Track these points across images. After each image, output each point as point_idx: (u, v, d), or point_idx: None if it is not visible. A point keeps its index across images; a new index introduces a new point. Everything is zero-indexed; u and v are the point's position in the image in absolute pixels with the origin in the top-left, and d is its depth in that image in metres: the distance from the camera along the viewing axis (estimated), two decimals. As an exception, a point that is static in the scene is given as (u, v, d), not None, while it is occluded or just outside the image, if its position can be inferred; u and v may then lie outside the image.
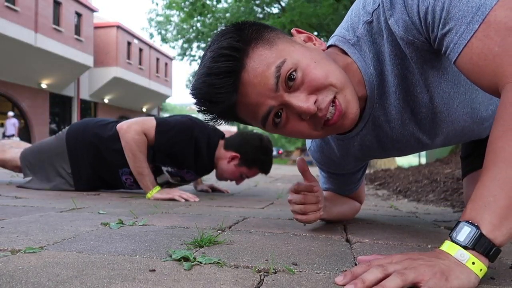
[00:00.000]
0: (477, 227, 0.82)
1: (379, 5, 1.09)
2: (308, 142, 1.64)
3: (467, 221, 0.84)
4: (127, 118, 2.87)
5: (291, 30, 1.22)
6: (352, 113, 1.09)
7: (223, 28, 1.14)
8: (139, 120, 2.59)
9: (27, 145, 3.24)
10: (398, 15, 1.05)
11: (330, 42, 1.25)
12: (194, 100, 1.11)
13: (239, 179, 2.97)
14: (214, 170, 3.00)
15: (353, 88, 1.10)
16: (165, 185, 2.90)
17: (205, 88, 1.06)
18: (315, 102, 1.05)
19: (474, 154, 1.69)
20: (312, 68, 1.05)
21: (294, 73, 1.04)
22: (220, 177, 2.98)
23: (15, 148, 3.10)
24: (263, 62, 1.05)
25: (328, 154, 1.53)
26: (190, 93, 1.11)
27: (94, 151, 2.82)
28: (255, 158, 2.86)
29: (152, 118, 2.63)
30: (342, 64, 1.15)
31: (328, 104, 1.05)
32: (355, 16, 1.17)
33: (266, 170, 2.98)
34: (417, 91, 1.17)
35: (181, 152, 2.69)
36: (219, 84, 1.04)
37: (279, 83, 1.04)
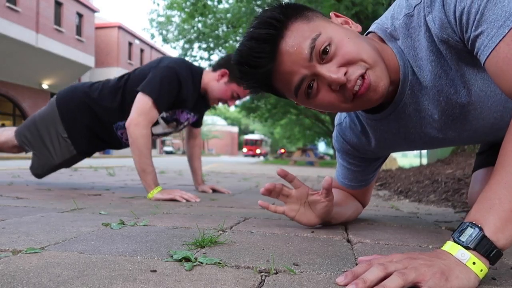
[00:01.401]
0: (480, 229, 0.82)
1: (421, 1, 1.12)
2: (338, 118, 1.65)
3: (471, 222, 0.85)
4: (122, 78, 2.93)
5: (330, 13, 1.26)
6: (381, 86, 1.12)
7: (270, 2, 1.22)
8: (140, 111, 2.59)
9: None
10: (435, 13, 1.08)
11: (370, 29, 1.28)
12: (236, 65, 1.20)
13: (230, 99, 2.94)
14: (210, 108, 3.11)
15: (384, 67, 1.13)
16: (162, 135, 2.97)
17: (245, 51, 1.14)
18: (345, 74, 1.09)
19: (489, 151, 1.70)
20: (345, 43, 1.11)
21: (328, 47, 1.10)
22: (211, 99, 2.98)
23: (8, 130, 3.11)
24: (300, 34, 1.11)
25: (358, 133, 1.54)
26: (233, 57, 1.20)
27: (86, 110, 2.86)
28: None
29: (148, 99, 2.62)
30: (378, 46, 1.18)
31: (357, 77, 1.09)
32: (398, 7, 1.21)
33: None
34: (451, 92, 1.19)
35: (178, 97, 2.75)
36: (259, 49, 1.12)
37: (313, 54, 1.10)
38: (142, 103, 2.60)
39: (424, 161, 10.93)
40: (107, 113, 2.84)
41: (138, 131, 2.55)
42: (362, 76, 1.09)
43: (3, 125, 21.50)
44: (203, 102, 3.00)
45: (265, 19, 1.13)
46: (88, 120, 2.88)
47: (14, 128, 3.10)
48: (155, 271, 0.88)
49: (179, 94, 2.73)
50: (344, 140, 1.63)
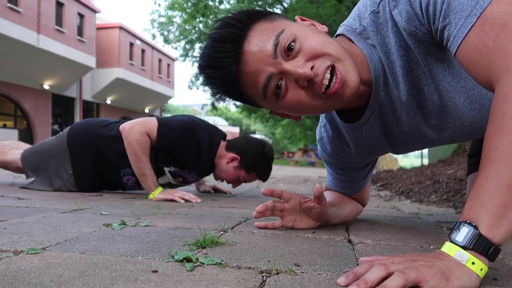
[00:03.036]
0: (475, 227, 0.82)
1: None
2: (318, 133, 1.65)
3: (466, 221, 0.84)
4: (129, 119, 2.86)
5: (295, 17, 1.25)
6: (352, 81, 1.09)
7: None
8: (141, 121, 2.59)
9: (26, 145, 3.22)
10: (401, 6, 1.08)
11: (338, 31, 1.27)
12: (199, 69, 1.17)
13: (236, 181, 2.94)
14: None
15: (352, 61, 1.12)
16: (167, 186, 2.90)
17: (207, 53, 1.13)
18: (312, 68, 1.07)
19: (480, 153, 1.69)
20: (309, 37, 1.10)
21: (292, 43, 1.09)
22: (217, 176, 2.97)
23: (15, 150, 3.09)
24: (264, 33, 1.11)
25: (341, 144, 1.53)
26: (197, 61, 1.19)
27: (96, 151, 2.81)
28: (255, 163, 2.85)
29: (154, 118, 2.62)
30: (346, 46, 1.17)
31: (325, 70, 1.07)
32: (363, 6, 1.20)
33: (264, 177, 2.97)
34: (422, 83, 1.18)
35: (183, 153, 2.68)
36: (220, 48, 1.10)
37: (278, 51, 1.09)
38: (146, 119, 2.62)
39: (425, 161, 10.92)
40: (116, 156, 2.76)
41: (133, 137, 2.52)
42: (333, 71, 1.07)
43: (4, 126, 21.54)
44: (211, 170, 2.98)
45: (227, 21, 1.13)
46: (96, 162, 2.83)
47: (21, 149, 3.08)
48: (156, 271, 0.88)
49: (187, 151, 2.69)
50: (327, 154, 1.63)
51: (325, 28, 1.22)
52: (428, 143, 1.43)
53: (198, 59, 1.17)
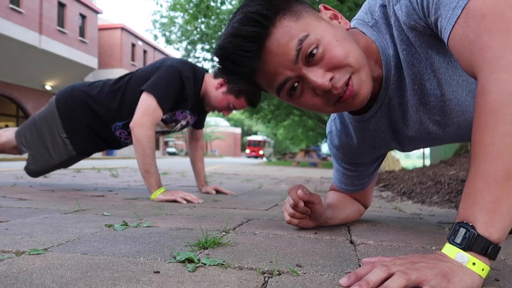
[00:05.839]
0: (472, 227, 0.82)
1: None
2: (328, 127, 1.67)
3: (462, 222, 0.85)
4: (124, 77, 2.92)
5: (319, 6, 1.23)
6: (364, 93, 1.12)
7: None
8: (145, 110, 2.59)
9: None
10: (402, 1, 1.10)
11: (352, 25, 1.27)
12: (217, 59, 1.15)
13: (226, 109, 2.92)
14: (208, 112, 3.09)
15: (369, 70, 1.13)
16: (160, 133, 2.97)
17: (230, 49, 1.09)
18: (331, 79, 1.08)
19: None
20: (333, 46, 1.08)
21: (315, 49, 1.07)
22: (207, 105, 2.96)
23: (9, 131, 3.11)
24: (288, 34, 1.07)
25: (346, 139, 1.55)
26: (214, 51, 1.15)
27: (85, 109, 2.86)
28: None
29: (152, 99, 2.62)
30: (363, 43, 1.18)
31: (344, 84, 1.08)
32: (372, 0, 1.22)
33: (254, 101, 2.92)
34: (424, 79, 1.19)
35: (180, 97, 2.75)
36: (244, 48, 1.08)
37: (299, 56, 1.08)
38: (147, 103, 2.61)
39: (427, 162, 10.92)
40: (106, 112, 2.84)
41: (142, 132, 2.55)
42: (347, 82, 1.08)
43: (6, 126, 21.56)
44: (202, 104, 3.00)
45: (250, 14, 1.08)
46: (87, 119, 2.88)
47: (15, 129, 3.10)
48: (158, 272, 0.88)
49: (181, 94, 2.74)
50: (334, 147, 1.65)
51: (348, 24, 1.20)
52: (434, 140, 1.43)
53: (216, 48, 1.14)
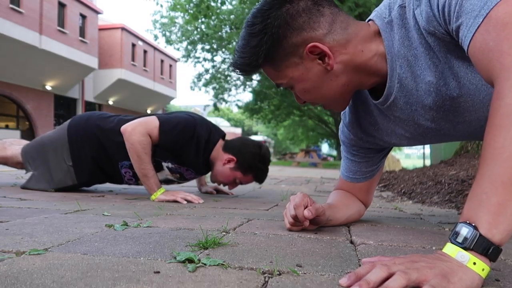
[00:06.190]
0: (475, 227, 0.83)
1: None
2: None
3: (465, 222, 0.85)
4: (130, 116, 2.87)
5: (305, 50, 1.26)
6: (340, 109, 1.46)
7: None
8: (142, 121, 2.58)
9: (27, 142, 3.22)
10: (422, 7, 1.13)
11: (371, 16, 1.34)
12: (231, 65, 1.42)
13: (232, 183, 2.91)
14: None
15: (341, 101, 1.40)
16: (164, 182, 2.91)
17: (234, 66, 1.38)
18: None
19: None
20: (301, 94, 1.38)
21: (292, 87, 1.37)
22: (213, 178, 2.93)
23: (16, 145, 3.08)
24: (269, 75, 1.39)
25: (361, 114, 1.59)
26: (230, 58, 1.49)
27: (95, 142, 2.81)
28: (252, 164, 2.82)
29: (155, 117, 2.61)
30: (365, 32, 1.27)
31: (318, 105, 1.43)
32: None
33: (260, 179, 2.93)
34: (440, 84, 1.22)
35: (182, 149, 2.68)
36: (241, 72, 1.38)
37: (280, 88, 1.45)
38: (147, 118, 2.60)
39: (428, 162, 10.91)
40: (115, 149, 2.76)
41: (135, 138, 2.51)
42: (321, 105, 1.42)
43: (6, 127, 21.58)
44: (207, 167, 2.95)
45: (240, 60, 1.33)
46: (95, 153, 2.82)
47: (21, 145, 3.07)
48: (158, 272, 0.88)
49: (186, 143, 2.67)
50: (347, 128, 1.69)
51: (331, 65, 1.26)
52: (444, 137, 1.48)
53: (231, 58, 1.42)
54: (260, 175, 2.90)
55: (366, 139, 1.63)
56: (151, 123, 2.57)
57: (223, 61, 22.21)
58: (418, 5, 1.14)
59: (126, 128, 2.54)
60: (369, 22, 1.31)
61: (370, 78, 1.30)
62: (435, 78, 1.21)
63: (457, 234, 0.85)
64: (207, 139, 2.76)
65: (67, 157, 2.84)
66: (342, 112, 1.69)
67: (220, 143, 2.87)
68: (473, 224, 0.83)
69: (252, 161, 2.80)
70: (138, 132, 2.51)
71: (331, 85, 1.30)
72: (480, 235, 0.81)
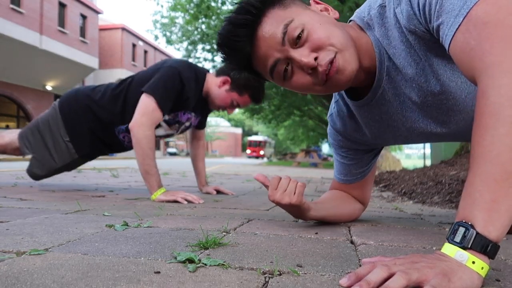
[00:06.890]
0: (471, 226, 0.83)
1: None
2: (330, 109, 1.72)
3: (461, 221, 0.85)
4: (125, 81, 2.91)
5: (310, 0, 1.32)
6: (349, 70, 1.20)
7: None
8: (144, 111, 2.59)
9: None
10: (403, 5, 1.15)
11: (351, 17, 1.35)
12: (217, 46, 1.29)
13: (230, 106, 2.91)
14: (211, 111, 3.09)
15: (354, 51, 1.21)
16: (164, 137, 2.98)
17: (224, 34, 1.25)
18: (316, 58, 1.18)
19: None
20: (316, 29, 1.19)
21: (301, 33, 1.18)
22: (211, 104, 2.95)
23: (12, 132, 3.11)
24: (276, 20, 1.21)
25: (344, 117, 1.62)
26: (216, 40, 1.31)
27: (88, 112, 2.86)
28: (246, 83, 2.80)
29: (152, 100, 2.61)
30: (353, 33, 1.26)
31: (328, 62, 1.17)
32: None
33: (257, 98, 2.91)
34: (421, 81, 1.24)
35: (177, 97, 2.73)
36: (235, 33, 1.23)
37: (286, 39, 1.19)
38: (145, 104, 2.61)
39: (428, 162, 10.90)
40: (109, 116, 2.84)
41: (141, 133, 2.54)
42: (332, 61, 1.17)
43: (7, 127, 21.57)
44: (204, 104, 2.99)
45: (243, 5, 1.22)
46: (90, 123, 2.88)
47: (18, 131, 3.10)
48: (158, 272, 0.88)
49: (181, 94, 2.73)
50: (335, 131, 1.70)
51: (336, 14, 1.30)
52: (433, 137, 1.48)
53: (217, 35, 1.28)
54: (256, 94, 2.88)
55: (354, 137, 1.65)
56: (151, 109, 2.61)
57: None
58: (399, 4, 1.16)
59: (133, 124, 2.57)
60: (351, 23, 1.34)
61: (363, 62, 1.27)
62: (416, 75, 1.24)
63: (454, 234, 0.85)
64: (195, 77, 2.80)
65: (64, 133, 2.90)
66: (329, 115, 1.72)
67: (209, 75, 2.92)
68: (469, 223, 0.83)
69: (246, 80, 2.79)
70: (145, 127, 2.57)
71: (338, 30, 1.22)
72: (477, 233, 0.82)
